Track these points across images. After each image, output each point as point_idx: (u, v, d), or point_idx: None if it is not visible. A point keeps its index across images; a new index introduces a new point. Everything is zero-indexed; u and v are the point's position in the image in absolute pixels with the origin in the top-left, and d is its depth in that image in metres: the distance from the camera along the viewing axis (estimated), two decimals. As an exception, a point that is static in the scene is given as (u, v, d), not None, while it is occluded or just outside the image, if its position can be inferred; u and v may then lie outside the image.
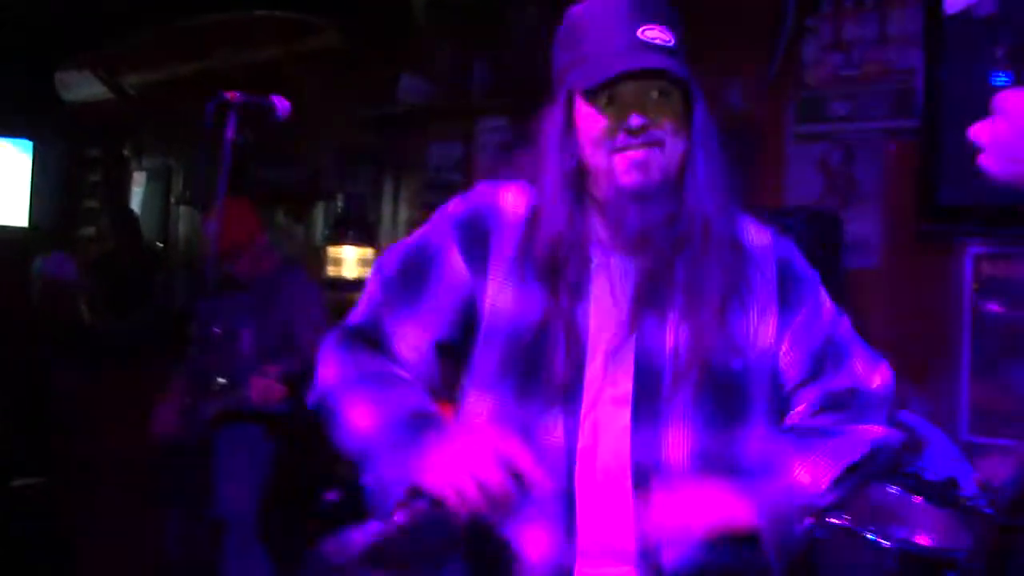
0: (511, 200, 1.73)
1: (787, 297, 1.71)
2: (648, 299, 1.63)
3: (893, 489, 2.86)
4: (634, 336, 1.62)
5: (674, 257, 1.64)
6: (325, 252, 5.65)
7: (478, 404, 1.66)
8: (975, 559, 2.57)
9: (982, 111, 1.35)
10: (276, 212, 6.20)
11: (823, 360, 1.73)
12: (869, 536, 2.62)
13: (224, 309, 3.98)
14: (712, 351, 1.61)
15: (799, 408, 1.74)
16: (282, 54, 6.16)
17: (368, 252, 5.55)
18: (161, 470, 4.15)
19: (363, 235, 5.60)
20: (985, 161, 1.33)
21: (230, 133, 2.87)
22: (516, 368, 1.63)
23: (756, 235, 1.74)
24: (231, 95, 2.85)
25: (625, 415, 1.61)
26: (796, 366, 1.72)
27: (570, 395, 1.61)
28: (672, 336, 1.62)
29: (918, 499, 2.81)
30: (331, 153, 6.02)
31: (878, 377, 1.77)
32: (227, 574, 3.99)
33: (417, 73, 5.46)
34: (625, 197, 1.60)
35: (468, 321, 1.68)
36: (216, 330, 3.40)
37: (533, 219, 1.68)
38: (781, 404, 1.74)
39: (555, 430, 1.60)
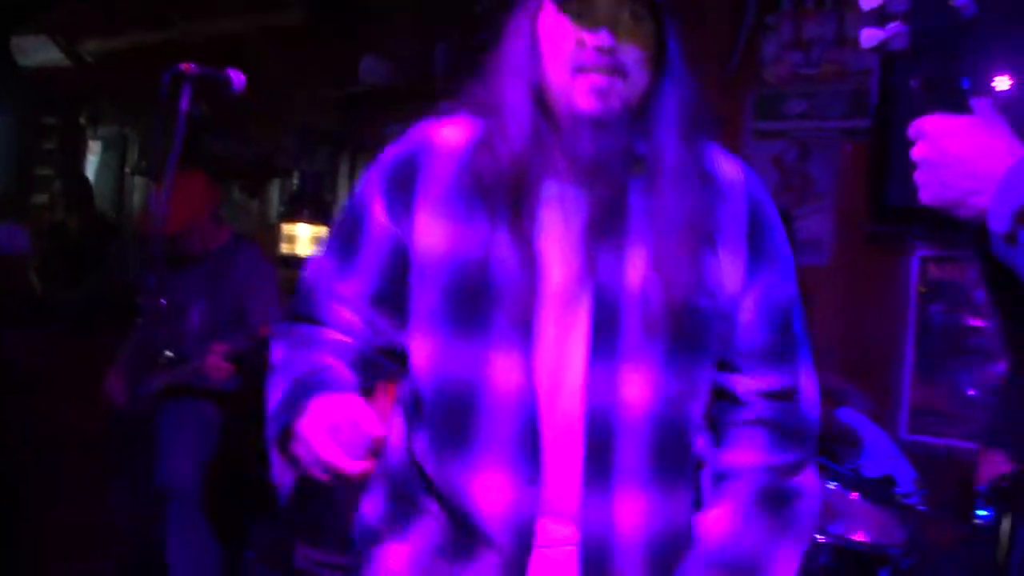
0: (448, 133, 1.63)
1: (758, 244, 1.61)
2: (604, 232, 1.53)
3: (831, 485, 2.90)
4: (590, 271, 1.52)
5: (632, 189, 1.55)
6: (279, 229, 5.63)
7: (421, 347, 1.57)
8: (907, 555, 2.61)
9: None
10: (232, 187, 6.16)
11: (779, 346, 1.63)
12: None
13: (174, 283, 3.95)
14: (676, 287, 1.51)
15: (742, 398, 1.63)
16: (244, 29, 6.11)
17: (323, 230, 5.53)
18: (108, 441, 4.13)
19: (318, 213, 5.58)
20: (918, 176, 1.36)
21: (185, 105, 2.85)
22: (459, 305, 1.53)
23: (727, 166, 1.64)
24: (186, 66, 2.82)
25: (581, 354, 1.51)
26: (753, 332, 1.62)
27: (526, 332, 1.51)
28: (632, 272, 1.52)
29: (855, 495, 2.85)
30: (290, 130, 5.99)
31: (815, 393, 1.68)
32: (170, 546, 3.97)
33: (380, 54, 5.44)
34: (581, 123, 1.51)
35: (402, 268, 1.61)
36: (163, 301, 3.38)
37: (480, 145, 1.58)
38: (723, 352, 1.62)
39: (512, 370, 1.50)
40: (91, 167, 7.44)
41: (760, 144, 4.29)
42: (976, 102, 1.33)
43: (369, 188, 1.67)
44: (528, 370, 1.50)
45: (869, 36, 1.38)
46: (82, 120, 7.53)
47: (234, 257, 4.09)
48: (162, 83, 2.80)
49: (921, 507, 2.68)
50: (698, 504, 1.61)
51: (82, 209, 6.49)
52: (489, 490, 1.50)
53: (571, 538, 1.51)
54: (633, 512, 1.51)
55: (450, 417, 1.54)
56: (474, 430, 1.51)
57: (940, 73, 1.33)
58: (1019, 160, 1.27)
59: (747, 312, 1.60)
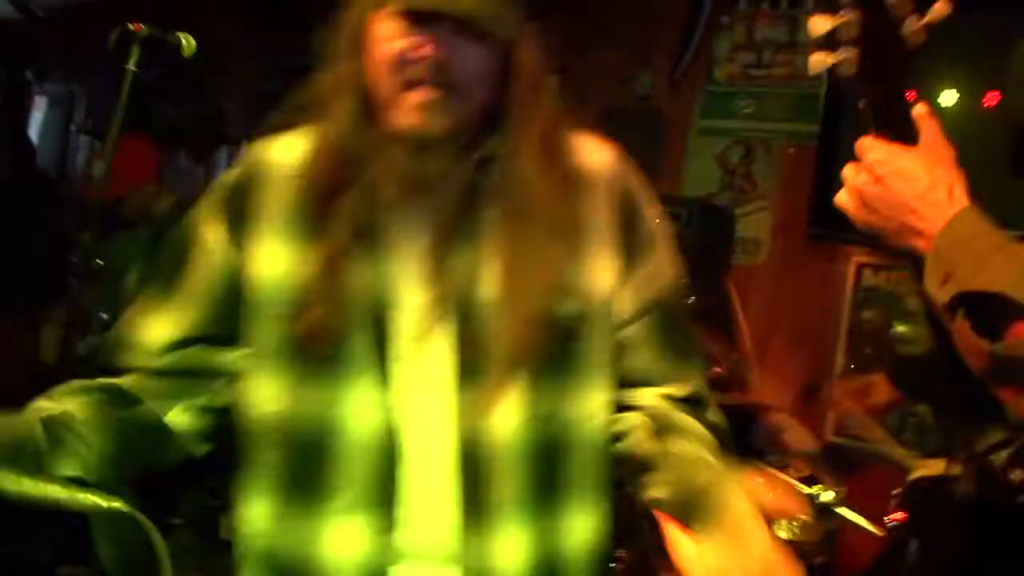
0: (283, 150, 1.48)
1: (631, 238, 1.48)
2: (455, 246, 1.39)
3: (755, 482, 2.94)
4: (446, 289, 1.38)
5: (483, 197, 1.41)
6: (225, 197, 5.58)
7: (263, 388, 1.42)
8: (820, 554, 2.66)
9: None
10: (178, 152, 6.09)
11: (670, 345, 1.52)
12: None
13: (113, 245, 3.92)
14: (540, 297, 1.37)
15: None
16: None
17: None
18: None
19: (264, 182, 5.53)
20: (842, 202, 1.38)
21: (132, 65, 2.82)
22: (301, 341, 1.38)
23: (593, 157, 1.50)
24: (136, 26, 2.79)
25: (446, 381, 1.38)
26: (638, 334, 1.50)
27: (383, 363, 1.37)
28: (491, 285, 1.38)
29: (776, 494, 2.89)
30: (240, 98, 5.94)
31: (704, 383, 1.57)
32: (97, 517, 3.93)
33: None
34: (405, 140, 1.37)
35: (236, 303, 1.45)
36: (99, 262, 3.35)
37: (314, 155, 1.43)
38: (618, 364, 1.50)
39: (369, 406, 1.37)
40: (35, 123, 7.32)
41: (705, 141, 4.33)
42: (924, 123, 1.34)
43: (202, 219, 1.51)
44: (387, 406, 1.37)
45: (817, 61, 1.38)
46: (28, 75, 7.41)
47: (176, 223, 4.06)
48: (109, 41, 2.77)
49: (837, 508, 2.73)
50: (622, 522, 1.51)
51: (23, 165, 6.39)
52: (340, 545, 1.38)
53: None
54: (515, 546, 1.39)
55: (297, 465, 1.40)
56: (325, 478, 1.38)
57: (888, 100, 1.34)
58: (956, 215, 1.29)
59: (627, 312, 1.48)
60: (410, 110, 1.35)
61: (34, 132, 7.21)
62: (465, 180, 1.40)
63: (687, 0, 4.29)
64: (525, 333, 1.36)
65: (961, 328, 1.26)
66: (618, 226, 1.47)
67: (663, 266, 1.52)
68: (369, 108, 1.40)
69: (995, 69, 3.43)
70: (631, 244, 1.48)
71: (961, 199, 1.31)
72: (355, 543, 1.37)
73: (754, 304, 4.02)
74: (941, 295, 1.27)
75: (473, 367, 1.37)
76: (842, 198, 1.37)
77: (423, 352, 1.38)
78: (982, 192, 1.35)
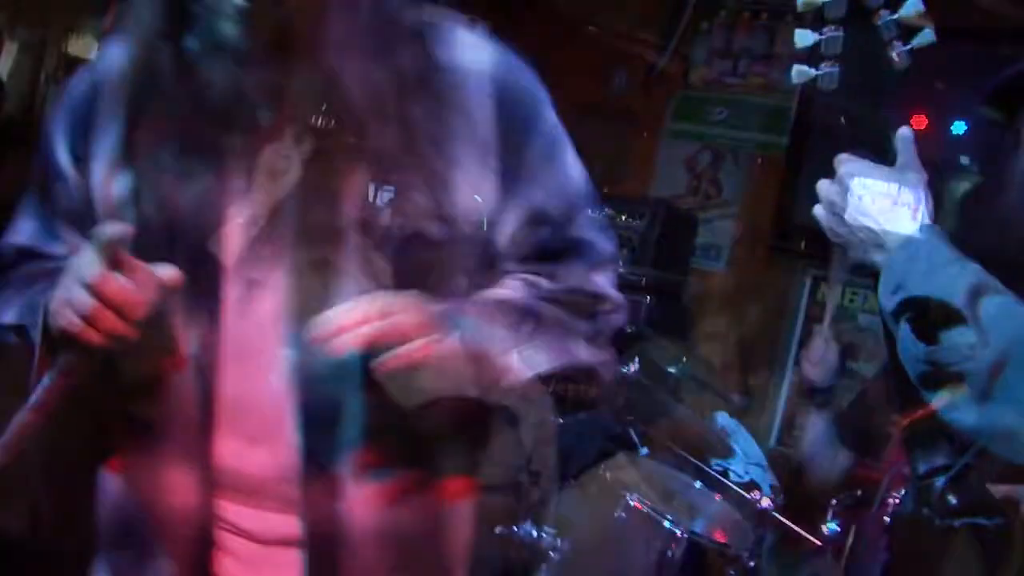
0: (120, 55, 1.31)
1: (514, 147, 1.29)
2: (290, 162, 1.23)
3: (696, 483, 2.98)
4: (279, 209, 1.23)
5: (316, 110, 1.22)
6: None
7: None
8: (752, 556, 2.70)
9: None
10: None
11: (563, 259, 1.36)
12: (667, 523, 2.71)
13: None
14: (387, 214, 1.21)
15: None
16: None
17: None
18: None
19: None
20: (817, 213, 1.42)
21: (108, 23, 2.80)
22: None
23: (469, 55, 1.30)
24: (115, -17, 2.78)
25: (284, 309, 1.23)
26: (525, 256, 1.34)
27: (202, 297, 1.23)
28: (330, 203, 1.22)
29: (717, 496, 2.94)
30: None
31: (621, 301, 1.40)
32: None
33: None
34: (225, 49, 1.20)
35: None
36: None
37: (135, 63, 1.28)
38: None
39: (186, 343, 1.24)
40: (4, 67, 7.22)
41: (675, 143, 4.36)
42: (901, 144, 1.37)
43: (51, 128, 1.37)
44: (203, 343, 1.23)
45: (800, 72, 1.40)
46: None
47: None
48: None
49: (776, 515, 2.76)
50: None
51: (-10, 108, 6.32)
52: (174, 492, 1.28)
53: (290, 532, 1.27)
54: (363, 492, 1.26)
55: (140, 407, 1.30)
56: (159, 423, 1.28)
57: (867, 118, 1.37)
58: (911, 236, 1.33)
59: (509, 235, 1.31)
60: (224, 18, 1.19)
61: (2, 76, 7.10)
62: (294, 90, 1.22)
63: (667, 2, 4.31)
64: (374, 255, 1.21)
65: (904, 335, 1.30)
66: (499, 135, 1.28)
67: (560, 184, 1.34)
68: (187, 14, 1.23)
69: (969, 96, 3.49)
70: (517, 157, 1.29)
71: (924, 219, 1.35)
72: (186, 490, 1.27)
73: (713, 308, 4.06)
74: (890, 303, 1.31)
75: (315, 296, 1.21)
76: (817, 209, 1.41)
77: (257, 279, 1.24)
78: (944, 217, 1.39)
